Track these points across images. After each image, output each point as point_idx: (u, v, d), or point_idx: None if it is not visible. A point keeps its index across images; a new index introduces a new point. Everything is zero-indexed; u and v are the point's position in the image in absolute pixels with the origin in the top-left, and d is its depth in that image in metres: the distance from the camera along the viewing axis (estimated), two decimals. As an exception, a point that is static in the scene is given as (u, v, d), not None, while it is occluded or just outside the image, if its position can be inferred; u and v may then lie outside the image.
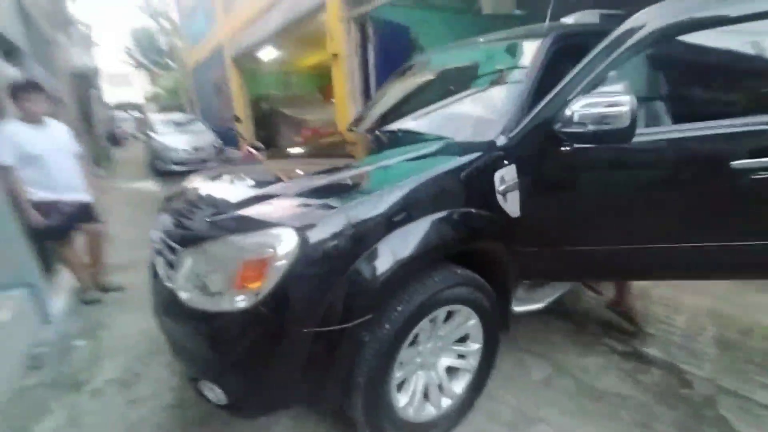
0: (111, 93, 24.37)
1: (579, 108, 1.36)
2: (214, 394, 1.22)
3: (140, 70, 23.66)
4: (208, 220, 1.35)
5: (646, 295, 2.37)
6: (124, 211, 5.24)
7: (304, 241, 1.11)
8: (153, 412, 1.72)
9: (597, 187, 1.55)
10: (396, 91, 2.52)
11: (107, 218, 4.58)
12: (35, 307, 2.36)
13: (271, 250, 1.11)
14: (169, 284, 1.35)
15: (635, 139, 1.36)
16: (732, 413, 1.55)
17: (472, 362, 1.57)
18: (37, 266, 2.51)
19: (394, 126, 2.10)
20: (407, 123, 2.07)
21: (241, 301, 1.12)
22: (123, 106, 23.48)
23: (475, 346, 1.55)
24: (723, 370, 1.78)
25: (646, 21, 1.43)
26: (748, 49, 1.43)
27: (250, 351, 1.16)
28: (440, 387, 1.51)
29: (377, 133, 2.18)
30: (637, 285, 2.32)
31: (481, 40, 2.21)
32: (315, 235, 1.13)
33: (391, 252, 1.21)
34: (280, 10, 6.24)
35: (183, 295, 1.25)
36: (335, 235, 1.15)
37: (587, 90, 1.41)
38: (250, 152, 4.02)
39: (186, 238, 1.34)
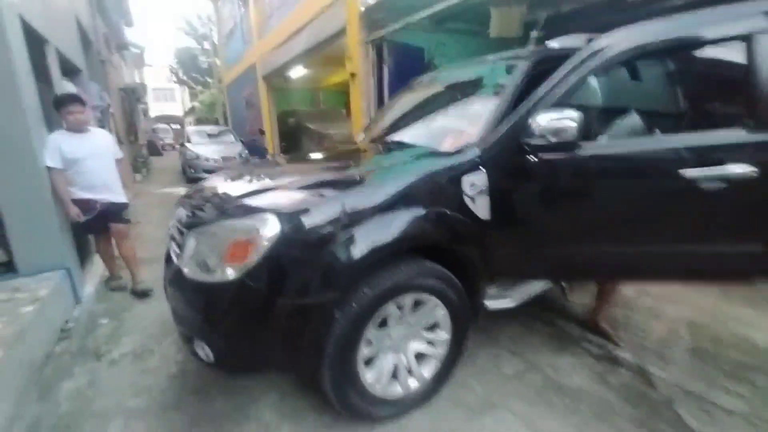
0: (156, 107, 26.36)
1: (540, 122, 1.53)
2: (204, 352, 1.43)
3: (182, 86, 25.43)
4: (213, 208, 1.59)
5: (628, 305, 2.42)
6: (155, 213, 5.69)
7: (285, 225, 1.32)
8: (158, 381, 1.95)
9: (558, 193, 1.68)
10: (398, 106, 2.76)
11: (140, 219, 5.07)
12: (70, 288, 2.68)
13: (257, 232, 1.32)
14: (176, 262, 1.59)
15: (594, 152, 1.51)
16: (690, 414, 1.59)
17: (440, 350, 1.70)
18: (75, 254, 2.86)
19: (390, 137, 2.33)
20: (401, 134, 2.29)
21: (229, 274, 1.34)
22: (164, 119, 25.20)
23: (443, 335, 1.69)
24: (691, 376, 1.81)
25: (608, 45, 1.60)
26: (703, 70, 1.56)
27: (234, 315, 1.36)
28: (409, 370, 1.65)
29: (376, 143, 2.42)
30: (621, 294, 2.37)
31: (473, 62, 2.43)
32: (295, 221, 1.34)
33: (363, 240, 1.39)
34: (307, 34, 6.72)
35: (186, 270, 1.48)
36: (314, 222, 1.35)
37: (549, 106, 1.58)
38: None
39: (192, 223, 1.58)
